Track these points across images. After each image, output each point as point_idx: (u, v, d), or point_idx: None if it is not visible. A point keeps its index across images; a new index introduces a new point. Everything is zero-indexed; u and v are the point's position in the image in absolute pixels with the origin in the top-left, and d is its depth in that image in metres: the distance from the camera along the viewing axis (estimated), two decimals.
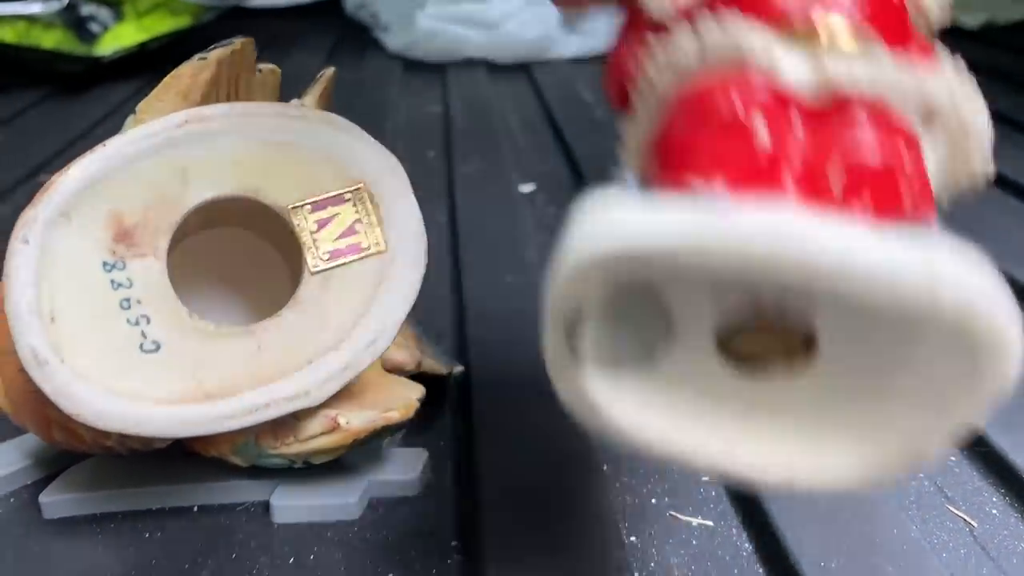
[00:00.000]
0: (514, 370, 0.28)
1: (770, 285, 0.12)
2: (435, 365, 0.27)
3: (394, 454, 0.24)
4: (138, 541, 0.22)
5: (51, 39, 0.62)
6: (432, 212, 0.22)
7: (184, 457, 0.24)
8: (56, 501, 0.23)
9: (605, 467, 0.24)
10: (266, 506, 0.23)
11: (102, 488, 0.23)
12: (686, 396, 0.14)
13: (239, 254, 0.24)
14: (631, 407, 0.14)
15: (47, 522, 0.23)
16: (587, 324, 0.13)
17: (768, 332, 0.13)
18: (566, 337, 0.13)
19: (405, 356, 0.26)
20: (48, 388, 0.19)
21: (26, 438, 0.25)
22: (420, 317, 0.28)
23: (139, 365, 0.20)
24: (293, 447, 0.22)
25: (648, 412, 0.14)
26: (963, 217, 0.38)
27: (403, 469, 0.24)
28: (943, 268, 0.11)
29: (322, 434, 0.22)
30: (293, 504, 0.23)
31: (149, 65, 0.66)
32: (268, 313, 0.24)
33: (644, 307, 0.13)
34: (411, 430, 0.26)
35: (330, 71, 0.25)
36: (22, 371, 0.21)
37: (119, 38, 0.63)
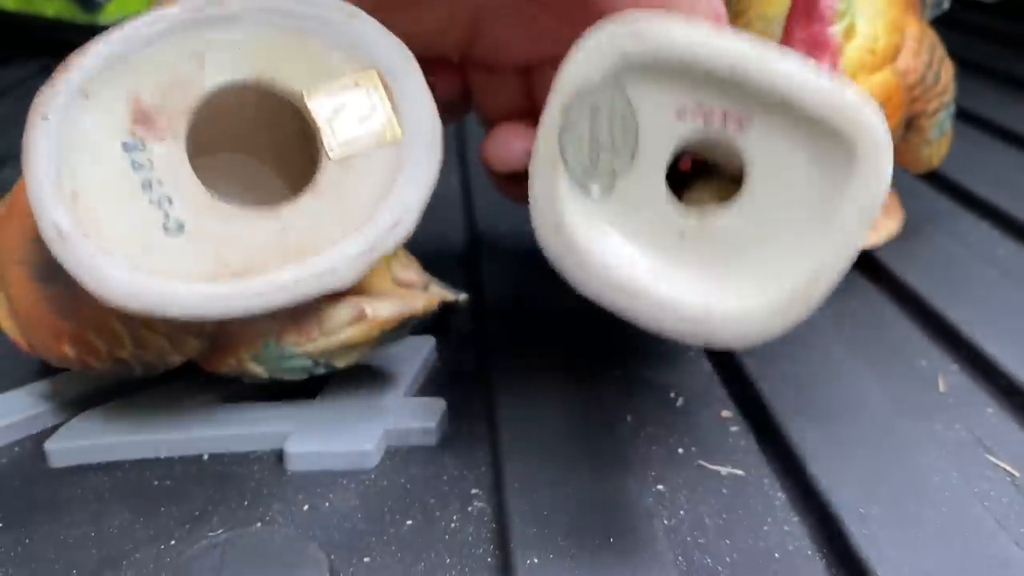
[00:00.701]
0: (532, 317, 0.28)
1: (730, 86, 0.16)
2: (443, 292, 0.26)
3: (412, 403, 0.24)
4: (147, 489, 0.22)
5: (53, 8, 0.61)
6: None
7: (194, 404, 0.23)
8: (62, 449, 0.22)
9: (629, 418, 0.23)
10: (279, 455, 0.22)
11: (109, 436, 0.22)
12: (635, 224, 0.17)
13: (241, 182, 0.23)
14: (590, 223, 0.17)
15: (54, 470, 0.22)
16: (573, 128, 0.17)
17: (711, 183, 0.19)
18: (558, 134, 0.17)
19: (414, 276, 0.26)
20: (71, 263, 0.18)
21: (30, 387, 0.24)
22: (432, 249, 0.27)
23: (163, 245, 0.19)
24: (319, 341, 0.21)
25: (602, 230, 0.17)
26: (989, 178, 0.37)
27: (421, 417, 0.23)
28: (852, 93, 0.16)
29: (349, 324, 0.22)
30: (307, 451, 0.22)
31: None
32: None
33: (615, 130, 0.17)
34: (428, 381, 0.25)
35: None
36: (32, 280, 0.21)
37: (124, 7, 0.62)
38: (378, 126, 0.21)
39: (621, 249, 0.17)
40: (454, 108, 0.26)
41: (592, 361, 0.26)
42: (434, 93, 0.21)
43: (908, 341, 0.27)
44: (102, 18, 0.61)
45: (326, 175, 0.21)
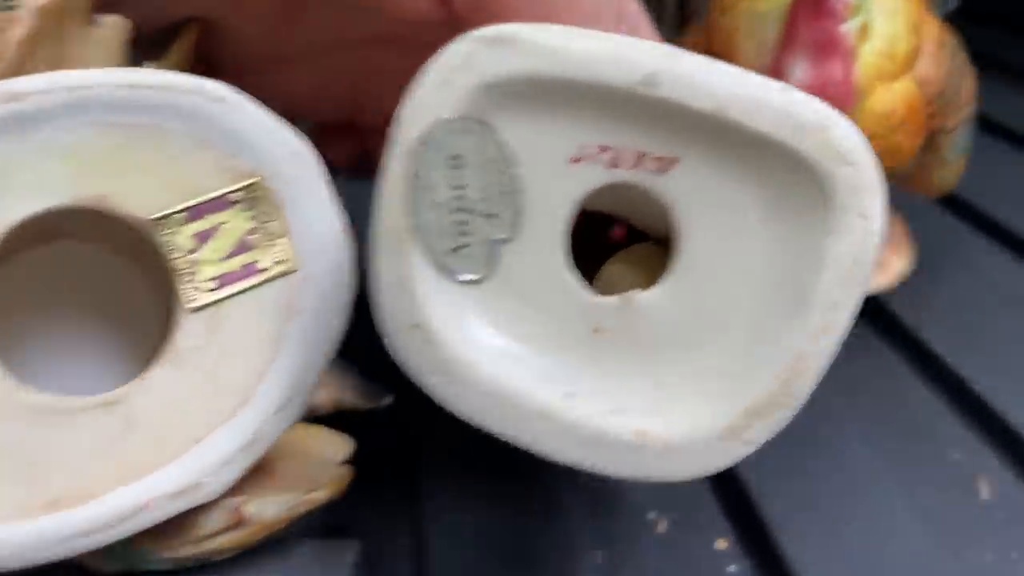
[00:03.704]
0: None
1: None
2: (357, 400, 0.21)
3: (316, 548, 0.18)
4: None
5: None
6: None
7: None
8: None
9: (600, 555, 0.18)
10: None
11: None
12: (528, 317, 0.13)
13: (84, 280, 0.17)
14: (462, 320, 0.12)
15: None
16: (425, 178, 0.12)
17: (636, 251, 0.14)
18: (405, 198, 0.12)
19: (321, 396, 0.20)
20: None
21: None
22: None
23: None
24: (182, 550, 0.16)
25: (481, 329, 0.12)
26: (1007, 197, 0.33)
27: (326, 570, 0.18)
28: (823, 110, 0.12)
29: (223, 531, 0.16)
30: None
31: None
32: (133, 368, 0.17)
33: (487, 188, 0.12)
34: (341, 505, 0.20)
35: (194, 25, 0.18)
36: None
37: None
38: (262, 257, 0.15)
39: (509, 354, 0.13)
40: (358, 172, 0.23)
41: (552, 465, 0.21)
42: (329, 163, 0.16)
43: (934, 423, 0.22)
44: None
45: (186, 335, 0.15)
